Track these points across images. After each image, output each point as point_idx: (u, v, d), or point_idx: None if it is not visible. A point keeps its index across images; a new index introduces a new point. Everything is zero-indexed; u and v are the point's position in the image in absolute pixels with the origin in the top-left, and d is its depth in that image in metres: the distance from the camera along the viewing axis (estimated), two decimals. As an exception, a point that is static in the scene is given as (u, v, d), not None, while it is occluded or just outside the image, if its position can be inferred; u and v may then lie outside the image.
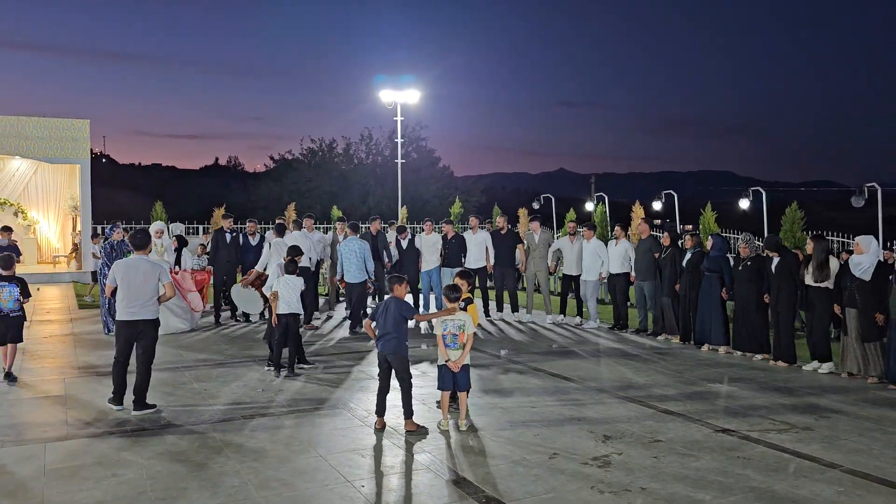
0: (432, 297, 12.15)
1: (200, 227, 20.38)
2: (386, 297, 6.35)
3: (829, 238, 13.70)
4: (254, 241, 12.13)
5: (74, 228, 20.49)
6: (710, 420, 6.23)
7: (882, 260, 8.08)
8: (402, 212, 23.03)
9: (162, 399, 6.77)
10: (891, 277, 7.71)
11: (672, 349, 9.70)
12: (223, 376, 7.80)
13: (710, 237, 10.00)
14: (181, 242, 11.44)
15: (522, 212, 23.49)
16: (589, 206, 25.43)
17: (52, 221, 21.61)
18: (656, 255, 10.50)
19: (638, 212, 19.38)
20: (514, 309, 12.20)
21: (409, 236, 12.42)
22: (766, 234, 15.67)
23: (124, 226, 12.15)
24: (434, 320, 6.16)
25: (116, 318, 6.45)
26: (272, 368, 7.92)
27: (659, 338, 10.38)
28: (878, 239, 9.23)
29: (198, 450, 5.37)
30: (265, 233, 12.42)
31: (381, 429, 5.86)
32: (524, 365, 8.51)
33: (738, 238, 12.04)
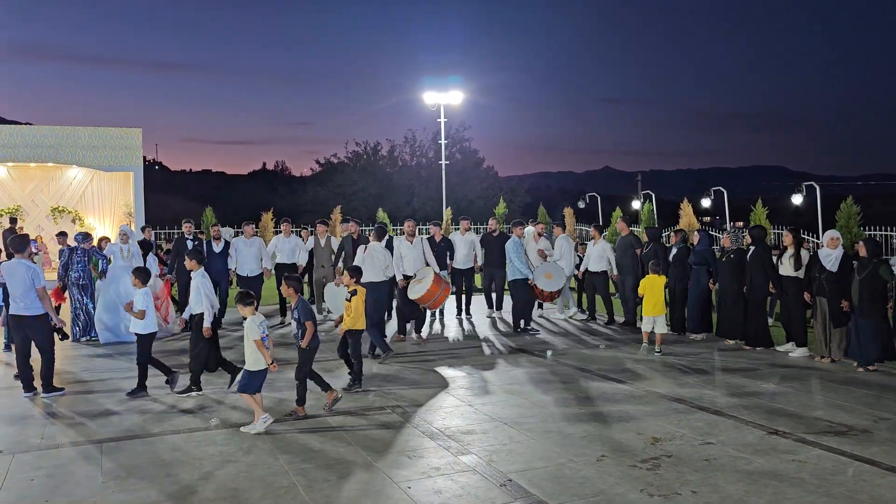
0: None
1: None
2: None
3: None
4: (217, 248, 11.27)
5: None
6: (762, 422, 6.08)
7: (847, 252, 8.62)
8: (447, 213, 23.05)
9: (210, 400, 6.93)
10: (854, 266, 8.26)
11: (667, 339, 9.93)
12: (270, 379, 7.89)
13: (696, 232, 10.55)
14: (146, 248, 11.17)
15: (568, 211, 23.25)
16: (636, 205, 25.03)
17: (108, 228, 22.27)
18: (637, 250, 10.90)
19: (686, 209, 19.00)
20: (498, 307, 12.56)
21: (386, 238, 11.91)
22: (820, 230, 15.23)
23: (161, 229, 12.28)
24: (249, 325, 6.09)
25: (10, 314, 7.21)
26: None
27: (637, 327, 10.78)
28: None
29: (247, 451, 5.47)
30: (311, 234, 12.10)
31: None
32: (570, 366, 8.44)
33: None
